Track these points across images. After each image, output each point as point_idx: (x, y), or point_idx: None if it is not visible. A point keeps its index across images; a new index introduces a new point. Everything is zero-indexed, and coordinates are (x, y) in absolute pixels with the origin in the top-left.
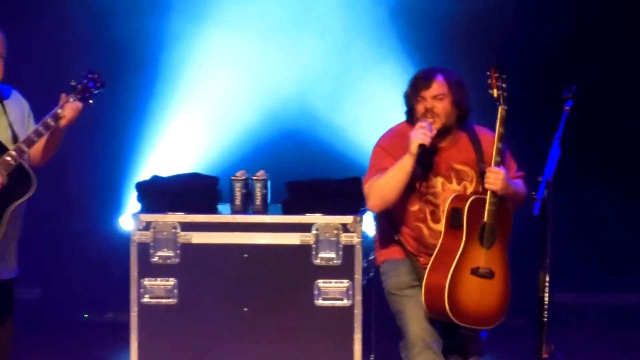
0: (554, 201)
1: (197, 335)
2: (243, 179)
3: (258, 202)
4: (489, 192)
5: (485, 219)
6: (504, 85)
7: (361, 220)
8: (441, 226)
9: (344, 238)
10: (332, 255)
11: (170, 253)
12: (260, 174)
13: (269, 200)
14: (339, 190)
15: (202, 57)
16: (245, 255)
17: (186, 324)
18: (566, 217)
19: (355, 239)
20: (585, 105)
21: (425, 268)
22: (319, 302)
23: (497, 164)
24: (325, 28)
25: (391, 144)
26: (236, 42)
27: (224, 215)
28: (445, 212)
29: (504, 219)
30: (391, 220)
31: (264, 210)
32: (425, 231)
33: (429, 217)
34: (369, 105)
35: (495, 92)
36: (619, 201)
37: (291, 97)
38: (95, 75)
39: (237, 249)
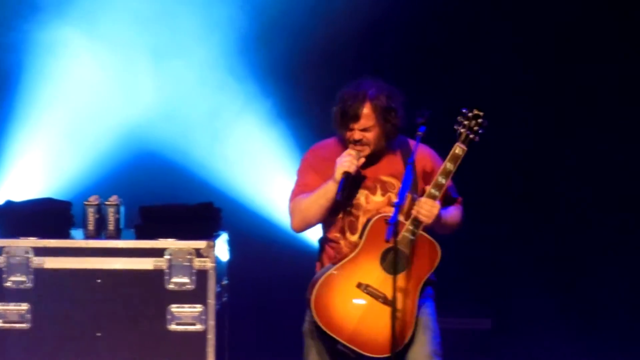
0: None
1: None
2: (96, 204)
3: (111, 227)
4: (412, 219)
5: (397, 243)
6: (479, 131)
7: (214, 245)
8: (357, 237)
9: (197, 263)
10: (185, 280)
11: (23, 278)
12: (113, 199)
13: (122, 226)
14: (192, 215)
15: (64, 72)
16: (99, 280)
17: (39, 349)
18: None
19: (208, 264)
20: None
21: None
22: (172, 327)
23: (432, 197)
24: (205, 63)
25: (316, 157)
26: (106, 61)
27: (77, 240)
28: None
29: (424, 259)
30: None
31: (117, 235)
32: (342, 242)
33: (346, 228)
34: (229, 136)
35: (461, 130)
36: (474, 226)
37: (152, 122)
38: None
39: (90, 273)
